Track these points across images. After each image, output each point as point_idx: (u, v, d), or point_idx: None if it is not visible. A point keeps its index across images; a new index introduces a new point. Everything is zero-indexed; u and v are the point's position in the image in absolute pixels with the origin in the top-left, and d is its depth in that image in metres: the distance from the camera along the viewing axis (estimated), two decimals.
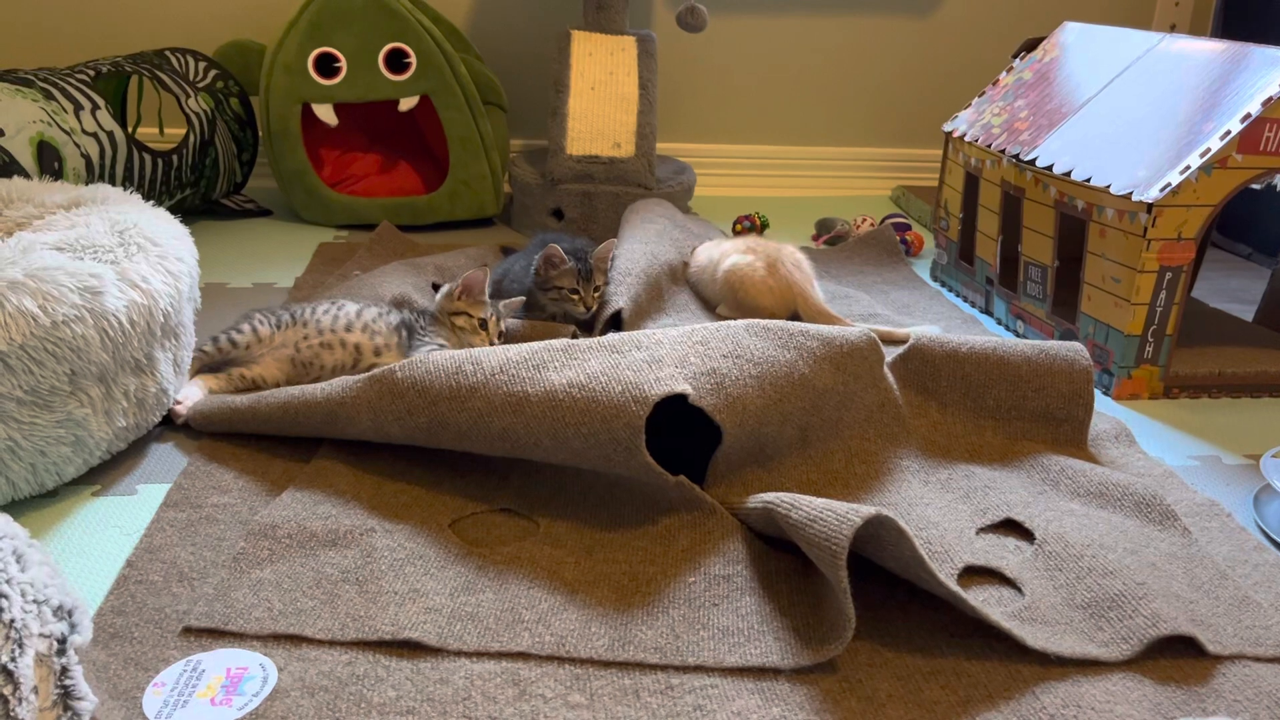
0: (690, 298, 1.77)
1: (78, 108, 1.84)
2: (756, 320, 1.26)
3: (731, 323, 1.26)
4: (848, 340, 1.25)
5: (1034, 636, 0.93)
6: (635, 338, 1.20)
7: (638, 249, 1.74)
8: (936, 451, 1.27)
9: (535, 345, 1.19)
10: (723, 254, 1.72)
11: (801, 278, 1.67)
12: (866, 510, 0.92)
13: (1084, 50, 1.87)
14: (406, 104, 2.14)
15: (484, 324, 1.42)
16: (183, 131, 2.11)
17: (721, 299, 1.70)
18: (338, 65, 2.10)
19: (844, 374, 1.23)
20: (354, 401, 1.17)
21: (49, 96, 1.80)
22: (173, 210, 1.48)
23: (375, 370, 1.18)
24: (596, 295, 1.59)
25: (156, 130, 2.40)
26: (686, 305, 1.74)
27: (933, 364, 1.32)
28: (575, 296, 1.55)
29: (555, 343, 1.19)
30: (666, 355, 1.15)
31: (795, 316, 1.66)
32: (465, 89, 2.14)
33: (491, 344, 1.41)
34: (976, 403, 1.31)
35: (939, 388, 1.32)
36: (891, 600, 1.00)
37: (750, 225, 2.26)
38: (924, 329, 1.61)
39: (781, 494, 1.03)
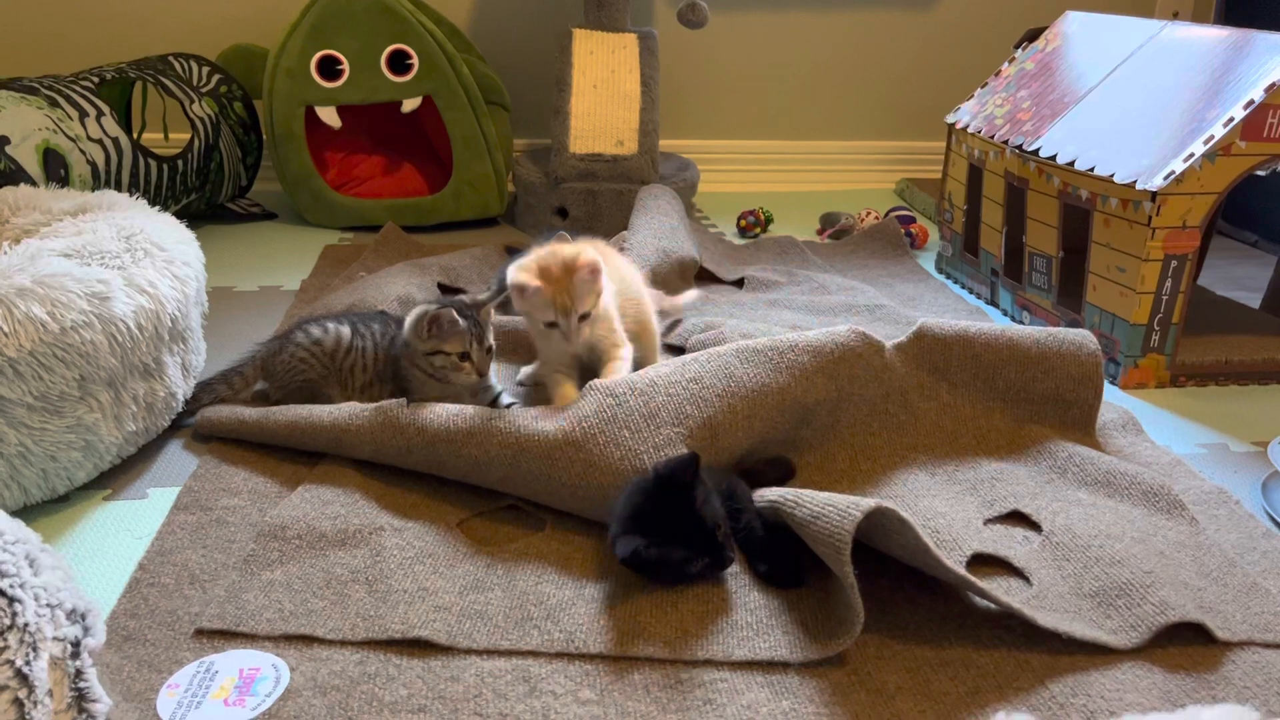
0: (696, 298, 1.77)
1: (83, 115, 1.85)
2: (748, 344, 1.22)
3: (723, 351, 1.22)
4: (838, 344, 1.23)
5: (1045, 617, 0.93)
6: (631, 379, 1.17)
7: (650, 244, 1.74)
8: (944, 437, 1.27)
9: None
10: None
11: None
12: (867, 503, 0.92)
13: (1086, 39, 1.86)
14: (409, 105, 2.14)
15: (465, 357, 1.25)
16: (187, 136, 2.12)
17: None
18: (340, 68, 2.10)
19: (838, 380, 1.22)
20: (357, 431, 1.18)
21: (54, 104, 1.81)
22: (179, 215, 1.49)
23: (381, 403, 1.19)
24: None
25: (161, 136, 2.41)
26: (692, 304, 1.74)
27: (944, 344, 1.30)
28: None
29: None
30: (662, 407, 1.13)
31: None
32: (468, 89, 2.14)
33: (480, 376, 1.27)
34: (987, 384, 1.30)
35: (950, 367, 1.30)
36: (900, 593, 1.00)
37: (755, 220, 2.26)
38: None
39: (785, 491, 1.03)
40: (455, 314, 1.24)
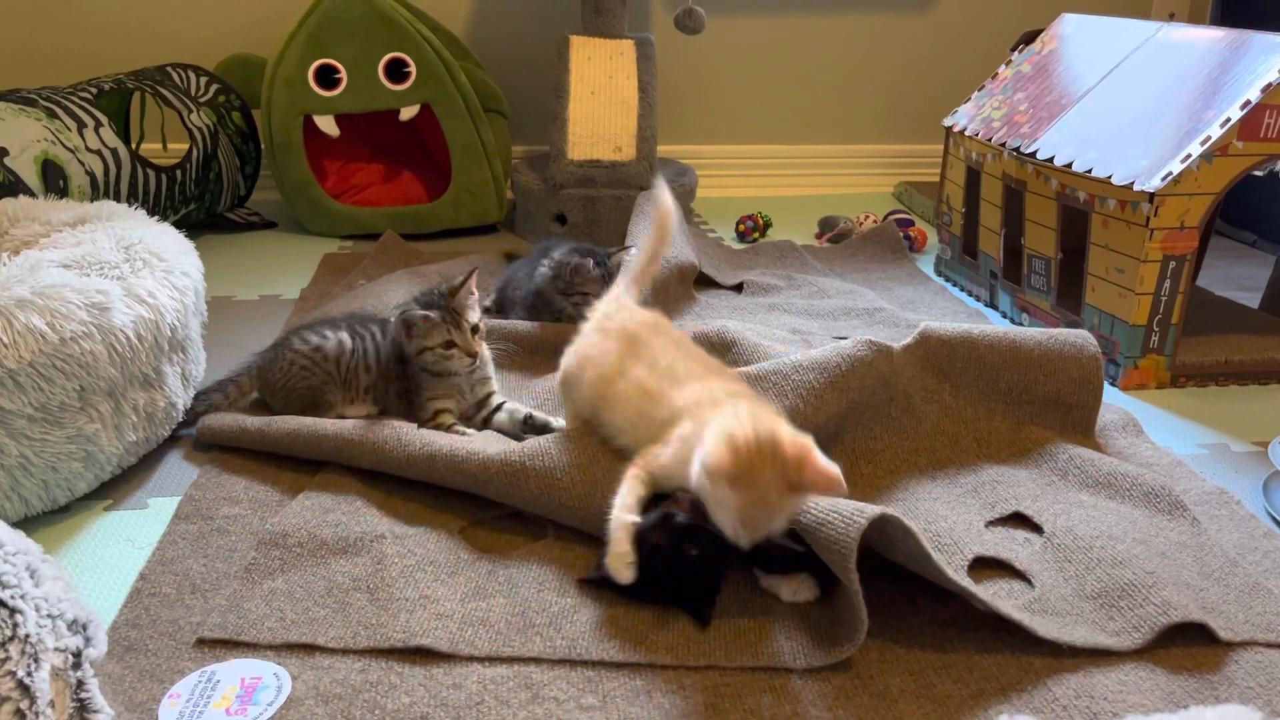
0: (695, 303, 1.77)
1: (81, 126, 1.85)
2: (752, 369, 1.21)
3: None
4: (845, 358, 1.22)
5: (1045, 627, 0.93)
6: None
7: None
8: (946, 440, 1.27)
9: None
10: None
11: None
12: (872, 510, 0.92)
13: (1083, 41, 1.86)
14: (407, 113, 2.14)
15: (450, 344, 1.25)
16: (186, 147, 2.12)
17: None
18: (338, 76, 2.11)
19: (848, 393, 1.21)
20: (359, 443, 1.19)
21: (52, 115, 1.81)
22: (177, 225, 1.49)
23: (383, 420, 1.20)
24: None
25: (160, 146, 2.40)
26: (690, 309, 1.74)
27: (948, 345, 1.29)
28: None
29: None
30: None
31: None
32: (466, 97, 2.14)
33: (472, 356, 1.26)
34: (989, 385, 1.30)
35: (954, 369, 1.30)
36: (902, 596, 1.00)
37: (753, 225, 2.26)
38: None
39: None
40: (421, 310, 1.24)
